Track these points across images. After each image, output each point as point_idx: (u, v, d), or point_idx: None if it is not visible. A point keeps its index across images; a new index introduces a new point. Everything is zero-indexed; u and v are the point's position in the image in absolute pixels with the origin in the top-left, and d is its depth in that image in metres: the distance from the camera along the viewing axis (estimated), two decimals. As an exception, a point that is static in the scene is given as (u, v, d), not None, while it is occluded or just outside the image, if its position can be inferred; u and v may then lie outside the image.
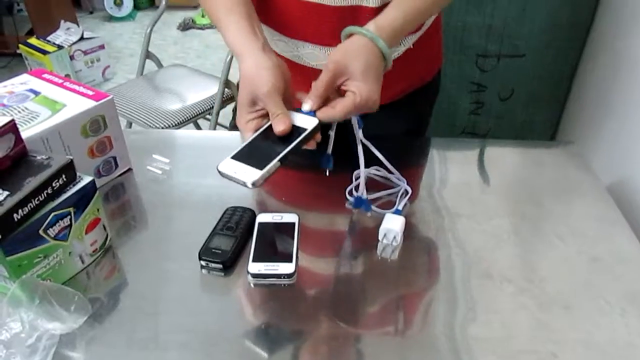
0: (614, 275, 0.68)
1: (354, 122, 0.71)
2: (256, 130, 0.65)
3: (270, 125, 0.64)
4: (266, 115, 0.66)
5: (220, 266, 0.68)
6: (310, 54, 0.84)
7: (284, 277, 0.66)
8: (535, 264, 0.70)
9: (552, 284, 0.67)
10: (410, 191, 0.80)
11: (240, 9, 0.72)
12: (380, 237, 0.72)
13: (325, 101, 0.66)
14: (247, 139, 0.64)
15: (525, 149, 0.95)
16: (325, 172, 0.73)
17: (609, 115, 1.35)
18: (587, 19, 1.49)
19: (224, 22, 0.73)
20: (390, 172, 0.81)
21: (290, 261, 0.67)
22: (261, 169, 0.58)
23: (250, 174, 0.58)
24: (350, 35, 0.69)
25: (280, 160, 0.60)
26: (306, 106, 0.65)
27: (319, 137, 0.66)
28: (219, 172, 0.60)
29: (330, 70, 0.65)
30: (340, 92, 0.67)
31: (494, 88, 1.58)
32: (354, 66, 0.65)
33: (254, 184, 0.57)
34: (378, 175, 0.83)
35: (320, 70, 0.85)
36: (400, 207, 0.77)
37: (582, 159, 0.91)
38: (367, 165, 0.75)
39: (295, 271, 0.66)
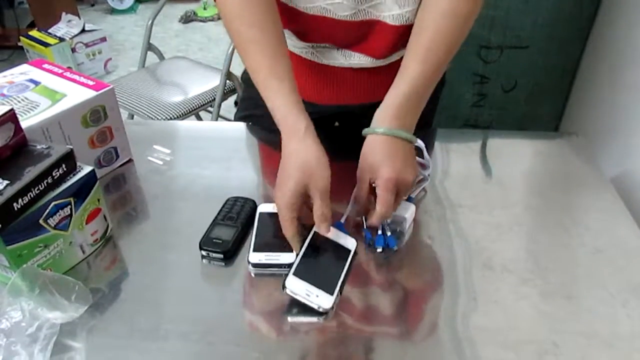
0: (617, 267, 0.68)
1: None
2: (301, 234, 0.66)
3: (314, 237, 0.66)
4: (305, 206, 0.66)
5: (221, 256, 0.68)
6: (327, 53, 0.83)
7: (284, 267, 0.66)
8: (537, 254, 0.70)
9: (554, 274, 0.67)
10: (428, 180, 0.80)
11: (283, 62, 0.70)
12: (389, 221, 0.72)
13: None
14: (299, 251, 0.65)
15: (528, 140, 0.95)
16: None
17: (612, 107, 1.34)
18: (591, 11, 1.47)
19: (265, 77, 0.69)
20: (422, 158, 0.81)
21: (291, 251, 0.67)
22: (332, 294, 0.62)
23: (323, 299, 0.61)
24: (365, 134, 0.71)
25: (342, 284, 0.63)
26: (374, 221, 0.67)
27: None
28: (288, 291, 0.61)
29: (361, 181, 0.69)
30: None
31: (497, 80, 1.57)
32: (371, 164, 0.68)
33: (326, 310, 0.61)
34: None
35: (338, 68, 0.84)
36: (413, 195, 0.77)
37: (586, 150, 0.90)
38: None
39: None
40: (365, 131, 0.71)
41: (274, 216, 0.73)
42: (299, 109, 0.68)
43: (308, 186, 0.64)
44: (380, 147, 0.68)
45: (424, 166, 0.81)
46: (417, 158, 0.80)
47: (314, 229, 0.67)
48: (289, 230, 0.65)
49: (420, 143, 0.78)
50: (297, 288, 0.61)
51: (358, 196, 0.70)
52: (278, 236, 0.70)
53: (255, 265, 0.67)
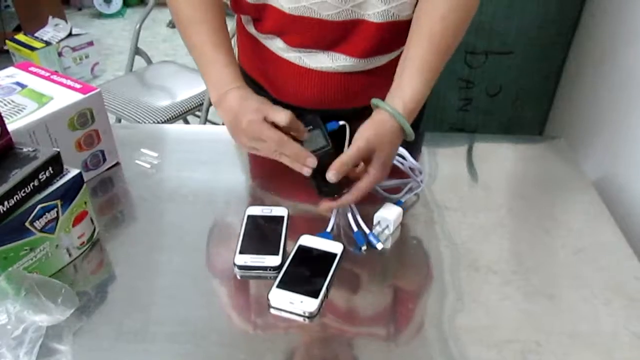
0: (598, 267, 0.69)
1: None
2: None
3: (299, 249, 0.68)
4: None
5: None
6: (313, 57, 0.84)
7: (269, 270, 0.66)
8: (521, 255, 0.71)
9: (537, 275, 0.68)
10: (422, 186, 0.81)
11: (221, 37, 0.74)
12: (374, 223, 0.73)
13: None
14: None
15: (512, 144, 0.96)
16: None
17: (595, 112, 1.37)
18: (574, 17, 1.50)
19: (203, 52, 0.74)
20: (411, 165, 0.82)
21: (277, 254, 0.67)
22: (316, 297, 0.62)
23: (308, 303, 0.61)
24: (377, 106, 0.71)
25: (327, 286, 0.64)
26: (334, 178, 0.66)
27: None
28: (272, 305, 0.62)
29: (361, 149, 0.67)
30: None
31: (482, 85, 1.59)
32: (381, 153, 0.67)
33: (312, 314, 0.61)
34: (400, 163, 0.82)
35: (323, 73, 0.84)
36: (403, 199, 0.78)
37: (569, 154, 0.92)
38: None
39: (281, 264, 0.67)
40: (382, 104, 0.70)
41: (261, 219, 0.74)
42: (234, 70, 0.73)
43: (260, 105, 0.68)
44: (392, 143, 0.69)
45: (414, 171, 0.81)
46: (412, 162, 0.81)
47: (299, 240, 0.69)
48: (275, 135, 0.66)
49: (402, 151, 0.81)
50: (281, 300, 0.62)
51: (345, 162, 0.67)
52: (264, 239, 0.70)
53: (240, 267, 0.67)
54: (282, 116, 0.66)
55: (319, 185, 0.69)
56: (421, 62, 0.71)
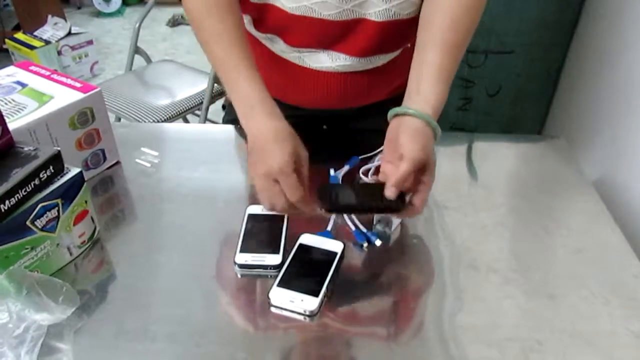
0: (598, 266, 0.69)
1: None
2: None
3: (299, 248, 0.68)
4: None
5: None
6: (313, 56, 0.84)
7: (270, 268, 0.66)
8: (520, 255, 0.71)
9: (537, 274, 0.68)
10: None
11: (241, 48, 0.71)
12: (375, 222, 0.73)
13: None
14: (320, 210, 0.63)
15: (512, 143, 0.96)
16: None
17: (594, 111, 1.37)
18: (573, 17, 1.50)
19: (228, 63, 0.71)
20: None
21: (278, 253, 0.68)
22: (317, 296, 0.62)
23: (309, 302, 0.62)
24: (403, 114, 0.66)
25: (328, 285, 0.64)
26: (393, 195, 0.63)
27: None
28: (273, 302, 0.62)
29: (414, 164, 0.63)
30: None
31: (481, 84, 1.59)
32: (430, 162, 0.65)
33: (313, 313, 0.61)
34: None
35: (323, 73, 0.84)
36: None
37: (568, 153, 0.92)
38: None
39: (282, 263, 0.67)
40: (413, 112, 0.66)
41: (262, 218, 0.74)
42: (263, 89, 0.69)
43: (298, 154, 0.64)
44: (430, 140, 0.65)
45: None
46: None
47: (300, 239, 0.69)
48: (298, 190, 0.63)
49: None
50: (281, 298, 0.62)
51: (403, 178, 0.63)
52: (265, 238, 0.70)
53: (241, 266, 0.67)
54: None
55: (379, 208, 0.66)
56: (439, 68, 0.68)
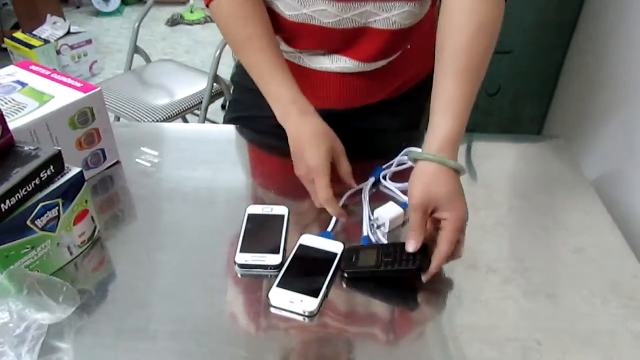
0: (597, 266, 0.69)
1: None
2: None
3: (300, 249, 0.68)
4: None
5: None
6: (313, 58, 0.84)
7: (270, 269, 0.66)
8: (520, 255, 0.71)
9: (537, 274, 0.68)
10: None
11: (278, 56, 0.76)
12: (372, 219, 0.73)
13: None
14: (338, 212, 0.71)
15: (512, 143, 0.97)
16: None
17: (593, 111, 1.37)
18: (573, 18, 1.51)
19: (266, 70, 0.75)
20: None
21: (278, 253, 0.68)
22: (317, 297, 0.62)
23: (308, 303, 0.62)
24: (416, 159, 0.66)
25: (328, 286, 0.64)
26: (411, 248, 0.63)
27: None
28: (273, 303, 0.63)
29: (418, 209, 0.63)
30: (432, 220, 0.65)
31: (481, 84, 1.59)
32: (437, 195, 0.62)
33: (313, 314, 0.61)
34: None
35: (322, 73, 0.84)
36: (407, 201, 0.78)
37: (568, 153, 0.92)
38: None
39: (282, 263, 0.67)
40: (416, 155, 0.66)
41: (262, 218, 0.74)
42: (296, 88, 0.75)
43: (334, 149, 0.71)
44: (440, 180, 0.63)
45: None
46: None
47: (300, 240, 0.69)
48: (326, 192, 0.69)
49: None
50: (281, 299, 0.62)
51: (415, 227, 0.63)
52: (265, 238, 0.70)
53: (241, 266, 0.67)
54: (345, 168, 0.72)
55: (408, 266, 0.64)
56: (448, 99, 0.66)
